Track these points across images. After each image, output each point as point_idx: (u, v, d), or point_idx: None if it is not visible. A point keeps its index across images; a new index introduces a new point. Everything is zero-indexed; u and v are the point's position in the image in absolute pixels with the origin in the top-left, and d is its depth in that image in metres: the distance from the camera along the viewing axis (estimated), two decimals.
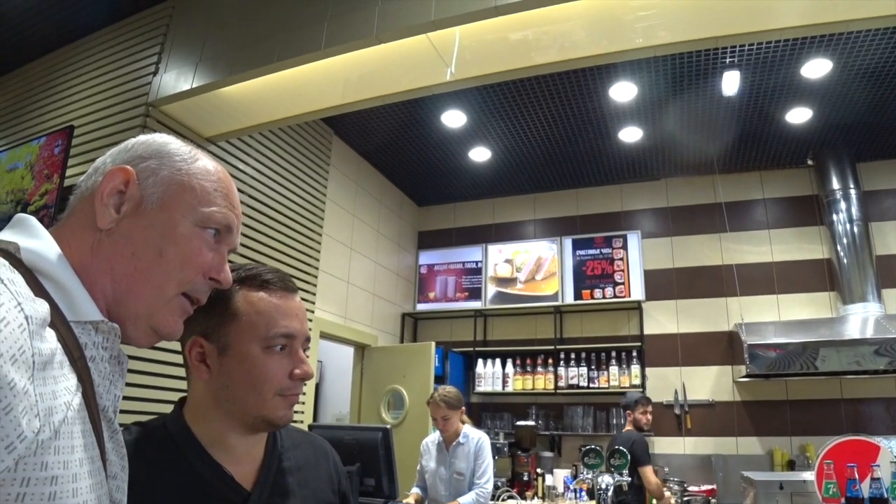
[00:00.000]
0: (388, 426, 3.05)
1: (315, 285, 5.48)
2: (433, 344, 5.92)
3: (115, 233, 0.81)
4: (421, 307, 7.17)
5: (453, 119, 5.40)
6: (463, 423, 4.00)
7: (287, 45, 3.52)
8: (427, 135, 5.75)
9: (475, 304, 6.80)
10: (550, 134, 5.57)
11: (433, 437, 4.12)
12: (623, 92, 4.82)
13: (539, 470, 5.58)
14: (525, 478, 5.53)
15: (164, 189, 0.85)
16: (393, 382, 5.95)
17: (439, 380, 6.00)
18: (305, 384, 1.23)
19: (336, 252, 5.87)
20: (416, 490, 4.09)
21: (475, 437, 3.91)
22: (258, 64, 3.59)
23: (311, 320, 5.33)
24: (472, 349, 6.60)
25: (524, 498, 5.43)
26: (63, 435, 0.63)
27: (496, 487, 4.10)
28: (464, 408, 4.00)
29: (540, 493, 5.43)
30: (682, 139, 5.56)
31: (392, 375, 6.01)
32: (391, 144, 6.02)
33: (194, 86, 3.81)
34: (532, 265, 6.63)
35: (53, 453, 0.62)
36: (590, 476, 2.97)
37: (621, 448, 3.11)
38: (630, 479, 4.43)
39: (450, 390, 3.96)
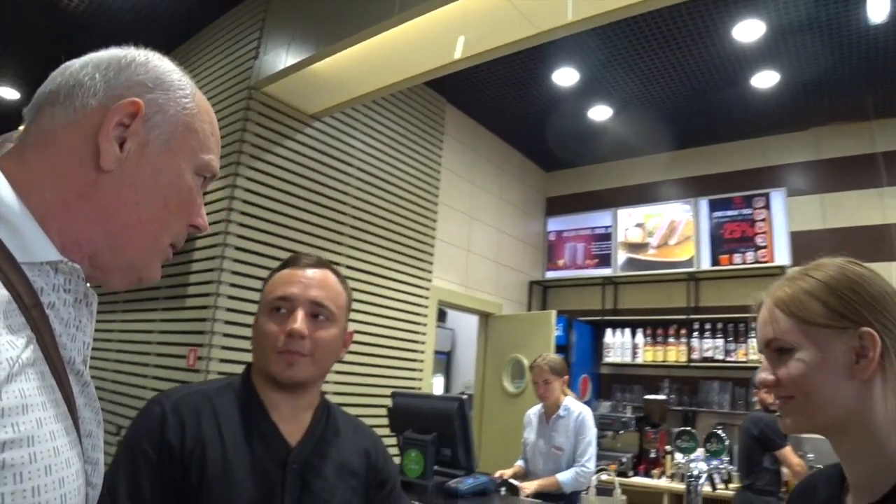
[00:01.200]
0: (465, 397, 2.94)
1: (432, 255, 5.46)
2: (554, 312, 5.72)
3: (116, 176, 0.71)
4: (550, 275, 6.97)
5: (566, 77, 5.12)
6: (565, 394, 3.81)
7: (370, 10, 3.46)
8: (544, 96, 5.51)
9: (605, 272, 6.49)
10: (675, 86, 5.12)
11: (535, 408, 3.97)
12: (749, 31, 4.28)
13: (668, 447, 5.25)
14: (652, 455, 5.22)
15: (172, 131, 0.76)
16: (515, 351, 5.84)
17: (562, 349, 5.80)
18: (304, 345, 1.29)
19: (454, 221, 5.82)
20: (519, 463, 3.96)
21: (576, 411, 3.71)
22: (346, 34, 3.58)
23: (428, 289, 5.33)
24: (600, 318, 6.32)
25: (650, 476, 5.14)
26: (8, 395, 0.55)
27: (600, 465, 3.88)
28: (567, 377, 3.81)
29: (668, 472, 5.11)
30: (828, 80, 4.88)
31: (514, 344, 5.89)
32: (508, 109, 5.84)
33: (288, 64, 3.88)
34: (665, 229, 6.19)
35: None
36: (682, 461, 2.68)
37: (718, 432, 2.79)
38: (762, 463, 4.04)
39: (553, 357, 3.81)
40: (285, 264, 1.39)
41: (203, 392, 1.30)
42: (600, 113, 5.70)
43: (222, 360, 3.83)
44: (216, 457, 1.20)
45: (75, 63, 0.75)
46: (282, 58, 3.94)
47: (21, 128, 0.74)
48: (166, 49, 5.35)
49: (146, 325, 4.50)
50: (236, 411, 1.28)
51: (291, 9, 4.07)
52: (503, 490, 3.35)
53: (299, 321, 1.27)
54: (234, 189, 4.01)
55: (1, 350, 0.55)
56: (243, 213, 4.03)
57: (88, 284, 0.76)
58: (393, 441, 3.12)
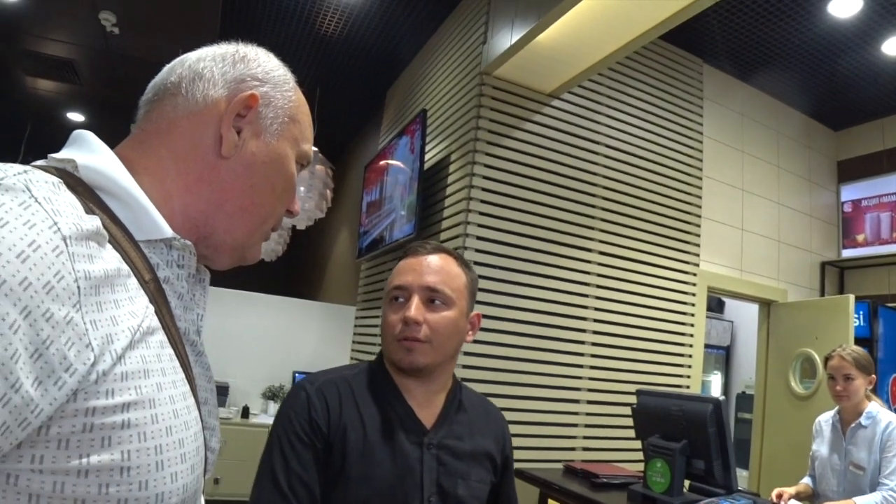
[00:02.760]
0: (721, 398, 2.48)
1: (698, 235, 4.91)
2: (852, 298, 4.78)
3: (234, 162, 0.77)
4: (846, 253, 5.89)
5: (847, 6, 4.22)
6: (868, 399, 3.08)
7: None
8: (819, 38, 4.62)
9: None
10: None
11: (828, 415, 3.27)
12: None
13: None
14: None
15: (281, 121, 0.82)
16: (803, 345, 5.00)
17: (864, 343, 4.84)
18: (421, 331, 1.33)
19: (723, 195, 5.17)
20: (805, 480, 3.29)
21: (884, 421, 2.95)
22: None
23: (695, 274, 4.80)
24: None
25: None
26: (131, 360, 0.59)
27: None
28: (874, 377, 3.07)
29: None
30: None
31: (803, 337, 5.05)
32: (778, 61, 5.01)
33: (513, 41, 3.68)
34: None
35: (122, 380, 0.58)
36: None
37: None
38: None
39: (858, 349, 3.09)
40: (405, 254, 1.44)
41: (343, 377, 1.39)
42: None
43: (466, 354, 3.76)
44: (357, 438, 1.29)
45: (191, 56, 0.81)
46: (508, 37, 3.75)
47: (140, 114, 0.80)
48: (407, 58, 5.62)
49: None
50: (374, 396, 1.36)
51: None
52: None
53: (413, 308, 1.32)
54: (472, 178, 3.92)
55: (123, 319, 0.60)
56: (483, 202, 3.93)
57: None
58: (637, 445, 2.77)
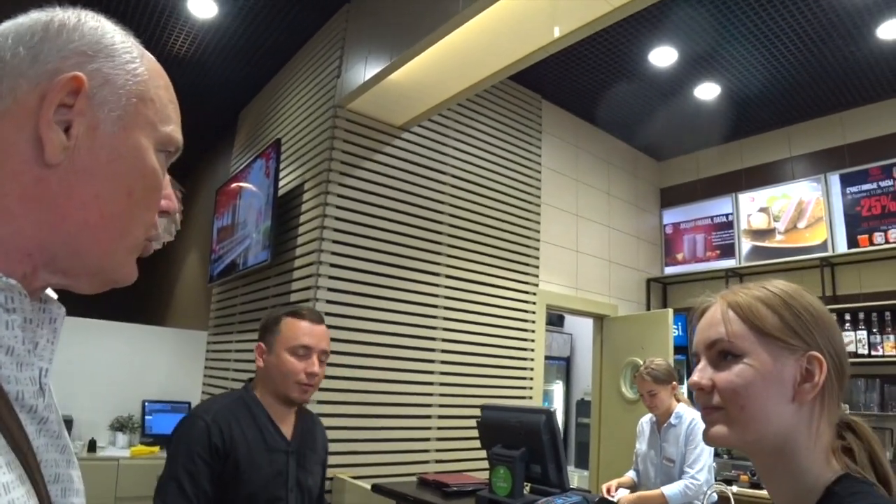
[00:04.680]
0: (553, 409, 2.77)
1: (537, 258, 5.30)
2: (671, 311, 5.37)
3: (67, 168, 0.60)
4: (669, 270, 6.57)
5: (664, 56, 4.79)
6: (677, 400, 3.53)
7: (437, 10, 3.36)
8: (642, 81, 5.19)
9: (728, 263, 6.02)
10: (786, 51, 4.65)
11: (648, 416, 3.70)
12: None
13: None
14: None
15: (125, 104, 0.64)
16: (631, 354, 5.53)
17: (683, 350, 5.44)
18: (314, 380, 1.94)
19: (560, 221, 5.61)
20: (630, 474, 3.71)
21: (689, 418, 3.41)
22: (418, 38, 3.48)
23: (535, 293, 5.17)
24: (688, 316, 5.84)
25: None
26: None
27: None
28: (675, 383, 3.51)
29: None
30: None
31: (630, 347, 5.59)
32: (608, 100, 5.56)
33: (366, 77, 3.86)
34: (792, 211, 5.65)
35: None
36: None
37: None
38: None
39: (658, 363, 3.51)
40: (297, 314, 1.97)
41: (227, 406, 1.87)
42: (707, 91, 5.29)
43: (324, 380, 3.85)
44: (244, 451, 1.80)
45: None
46: (361, 72, 3.93)
47: None
48: (261, 82, 5.64)
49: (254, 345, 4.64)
50: (250, 418, 1.87)
51: (367, 22, 4.06)
52: None
53: (317, 366, 1.92)
54: (325, 207, 4.05)
55: None
56: (336, 231, 4.06)
57: (52, 294, 0.68)
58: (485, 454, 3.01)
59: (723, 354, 0.90)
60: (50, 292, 0.68)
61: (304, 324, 1.93)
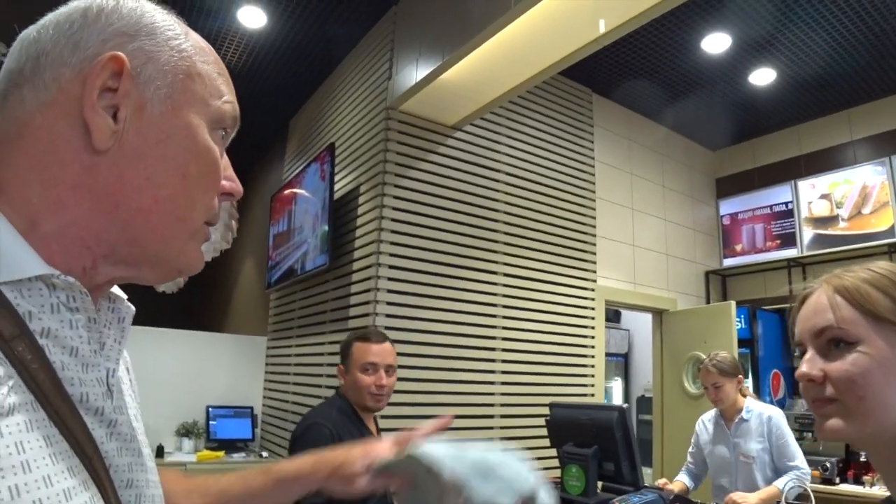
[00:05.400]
0: (625, 406, 2.73)
1: (594, 254, 5.23)
2: (733, 304, 5.24)
3: (117, 153, 0.58)
4: (728, 262, 6.42)
5: (718, 43, 4.68)
6: (743, 395, 3.43)
7: (489, 8, 3.34)
8: (694, 70, 5.08)
9: (790, 252, 5.85)
10: (847, 30, 4.49)
11: (709, 415, 3.59)
12: None
13: None
14: (863, 458, 4.60)
15: (171, 81, 0.62)
16: (693, 349, 5.42)
17: (746, 343, 5.31)
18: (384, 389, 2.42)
19: (615, 215, 5.54)
20: (682, 478, 3.58)
21: (764, 413, 3.31)
22: (469, 37, 3.47)
23: (593, 290, 5.12)
24: (789, 305, 5.67)
25: (861, 483, 4.53)
26: None
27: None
28: (741, 377, 3.41)
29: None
30: None
31: (692, 341, 5.48)
32: (659, 90, 5.46)
33: (418, 79, 3.87)
34: (856, 197, 5.46)
35: None
36: None
37: None
38: None
39: (723, 356, 3.41)
40: (363, 338, 2.45)
41: (335, 417, 2.33)
42: (763, 77, 5.15)
43: None
44: None
45: (31, 31, 0.61)
46: (413, 73, 3.94)
47: None
48: (311, 89, 5.69)
49: (318, 349, 4.69)
50: (352, 424, 2.35)
51: (416, 23, 4.06)
52: None
53: (384, 379, 2.40)
54: (382, 209, 4.07)
55: None
56: (394, 232, 4.08)
57: (121, 293, 0.67)
58: (550, 453, 2.98)
59: (833, 342, 0.85)
60: (118, 291, 0.67)
61: (368, 345, 2.39)
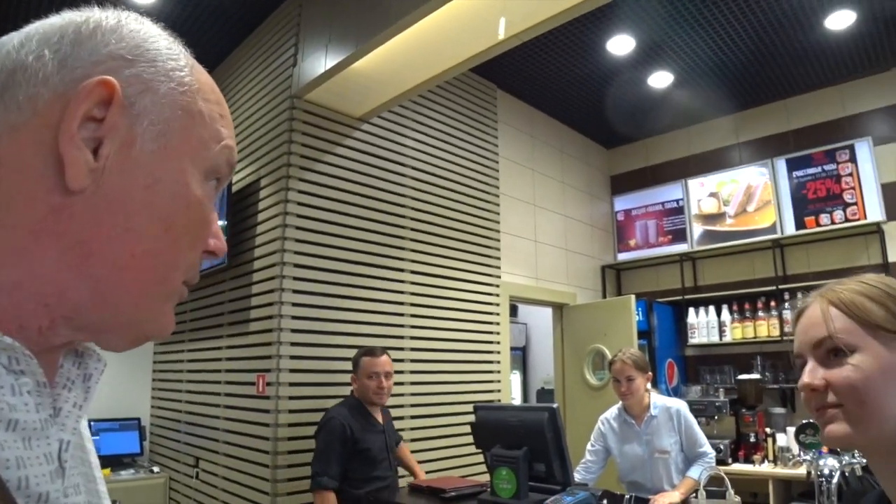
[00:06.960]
0: (555, 405, 2.69)
1: (498, 249, 5.22)
2: (633, 297, 5.39)
3: (94, 196, 0.49)
4: (622, 257, 6.63)
5: (622, 45, 4.79)
6: (648, 392, 3.49)
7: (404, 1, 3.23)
8: (597, 70, 5.18)
9: (681, 248, 6.12)
10: (737, 38, 4.71)
11: (611, 413, 3.57)
12: None
13: (768, 429, 4.89)
14: (752, 439, 4.87)
15: (168, 118, 0.52)
16: (594, 342, 5.54)
17: (644, 335, 5.48)
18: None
19: (518, 211, 5.56)
20: (581, 478, 3.47)
21: (673, 408, 3.39)
22: (383, 27, 3.34)
23: (498, 286, 5.11)
24: (681, 297, 5.95)
25: (751, 462, 4.79)
26: None
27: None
28: (650, 374, 3.47)
29: (770, 456, 4.75)
30: None
31: (593, 334, 5.60)
32: (562, 88, 5.53)
33: (327, 67, 3.69)
34: (741, 196, 5.78)
35: None
36: (808, 457, 2.37)
37: (813, 421, 2.44)
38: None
39: (635, 351, 3.47)
40: (369, 353, 3.36)
41: (346, 412, 3.20)
42: (661, 80, 5.33)
43: (291, 384, 3.68)
44: (361, 437, 3.13)
45: (13, 38, 0.51)
46: (321, 62, 3.75)
47: None
48: (209, 67, 5.39)
49: (214, 353, 4.40)
50: (361, 416, 3.24)
51: (325, 10, 3.87)
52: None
53: (384, 382, 3.29)
54: (286, 204, 3.85)
55: None
56: (298, 228, 3.88)
57: (92, 345, 0.57)
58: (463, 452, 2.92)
59: (832, 352, 0.87)
60: (90, 343, 0.57)
61: (373, 359, 3.30)
